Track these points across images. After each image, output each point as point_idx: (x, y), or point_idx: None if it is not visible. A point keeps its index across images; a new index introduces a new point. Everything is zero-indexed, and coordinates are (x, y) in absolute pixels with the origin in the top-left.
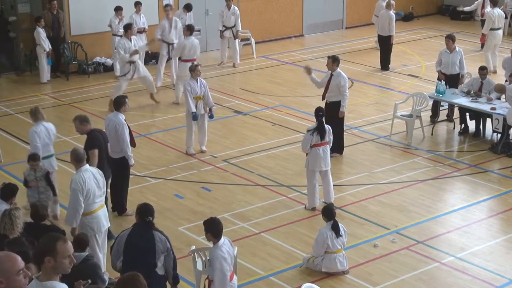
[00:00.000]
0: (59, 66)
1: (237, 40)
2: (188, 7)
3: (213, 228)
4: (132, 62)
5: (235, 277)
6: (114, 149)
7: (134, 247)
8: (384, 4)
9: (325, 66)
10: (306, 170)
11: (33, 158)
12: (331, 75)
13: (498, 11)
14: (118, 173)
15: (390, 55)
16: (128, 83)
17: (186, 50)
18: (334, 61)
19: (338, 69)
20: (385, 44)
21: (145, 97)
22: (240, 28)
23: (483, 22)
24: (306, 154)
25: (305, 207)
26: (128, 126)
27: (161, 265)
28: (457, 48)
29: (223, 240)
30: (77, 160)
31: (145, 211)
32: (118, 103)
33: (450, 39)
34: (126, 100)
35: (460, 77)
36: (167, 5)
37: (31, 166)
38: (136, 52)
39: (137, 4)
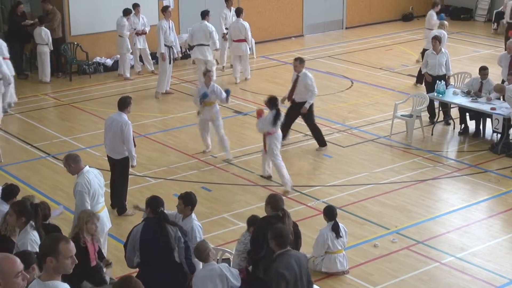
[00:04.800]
0: (59, 66)
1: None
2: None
3: (192, 202)
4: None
5: None
6: (116, 149)
7: (150, 242)
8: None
9: (293, 68)
10: (270, 154)
11: None
12: (298, 76)
13: None
14: (118, 173)
15: None
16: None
17: (234, 32)
18: (301, 62)
19: (304, 70)
20: None
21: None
22: None
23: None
24: (264, 137)
25: (286, 190)
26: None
27: (177, 255)
28: (443, 50)
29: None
30: (75, 162)
31: (156, 203)
32: (124, 103)
33: (436, 40)
34: (132, 101)
35: (446, 78)
36: (167, 6)
37: None
38: None
39: (136, 6)
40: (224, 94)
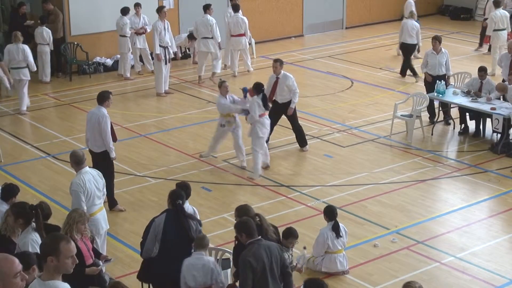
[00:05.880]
0: (59, 66)
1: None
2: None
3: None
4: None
5: None
6: (96, 143)
7: (172, 233)
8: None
9: (273, 70)
10: (254, 138)
11: None
12: (277, 78)
13: (500, 12)
14: (101, 166)
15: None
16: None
17: (234, 26)
18: (281, 64)
19: (283, 71)
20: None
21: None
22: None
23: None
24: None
25: (251, 177)
26: (110, 121)
27: None
28: (443, 50)
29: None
30: (76, 162)
31: (175, 196)
32: (102, 98)
33: (437, 40)
34: (111, 95)
35: (446, 78)
36: (162, 7)
37: None
38: None
39: (136, 6)
40: (246, 106)
